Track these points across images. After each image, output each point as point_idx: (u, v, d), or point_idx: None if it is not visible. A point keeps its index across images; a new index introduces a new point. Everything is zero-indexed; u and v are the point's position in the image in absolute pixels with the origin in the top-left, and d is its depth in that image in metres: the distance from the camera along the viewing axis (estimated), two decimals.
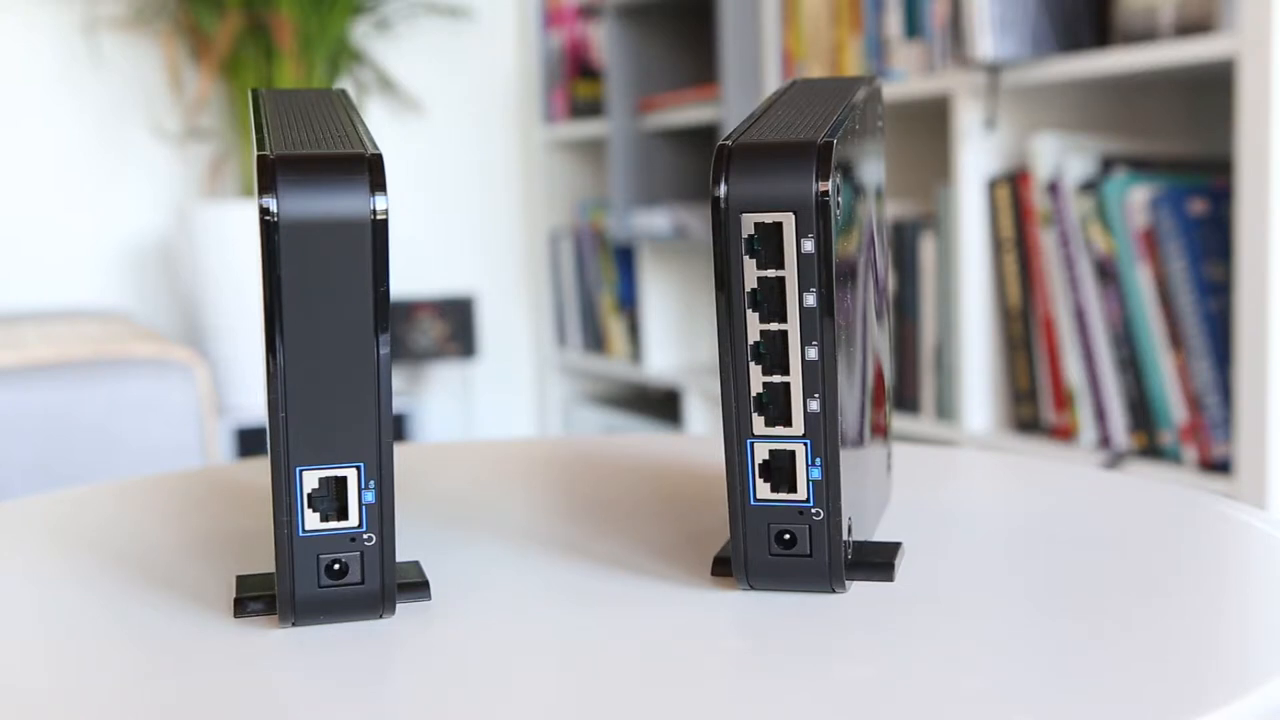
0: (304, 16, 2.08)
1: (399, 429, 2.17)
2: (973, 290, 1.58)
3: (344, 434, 0.41)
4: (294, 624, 0.42)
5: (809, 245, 0.37)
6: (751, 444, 0.39)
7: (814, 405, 0.39)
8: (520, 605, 0.43)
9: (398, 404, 2.17)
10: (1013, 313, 1.57)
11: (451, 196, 2.51)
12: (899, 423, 1.71)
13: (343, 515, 0.42)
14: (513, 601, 0.44)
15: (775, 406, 0.39)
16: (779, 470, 0.39)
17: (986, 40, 1.47)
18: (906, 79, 1.66)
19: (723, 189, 0.38)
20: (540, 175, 2.51)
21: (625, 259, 2.33)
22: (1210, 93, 1.56)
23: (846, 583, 0.40)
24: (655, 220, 2.10)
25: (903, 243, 1.69)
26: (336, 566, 0.42)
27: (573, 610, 0.40)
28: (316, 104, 0.43)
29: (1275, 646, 0.36)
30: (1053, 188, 1.49)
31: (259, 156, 0.38)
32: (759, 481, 0.40)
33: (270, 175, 0.37)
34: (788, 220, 0.37)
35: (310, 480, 0.41)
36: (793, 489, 0.39)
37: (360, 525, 0.42)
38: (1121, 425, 1.45)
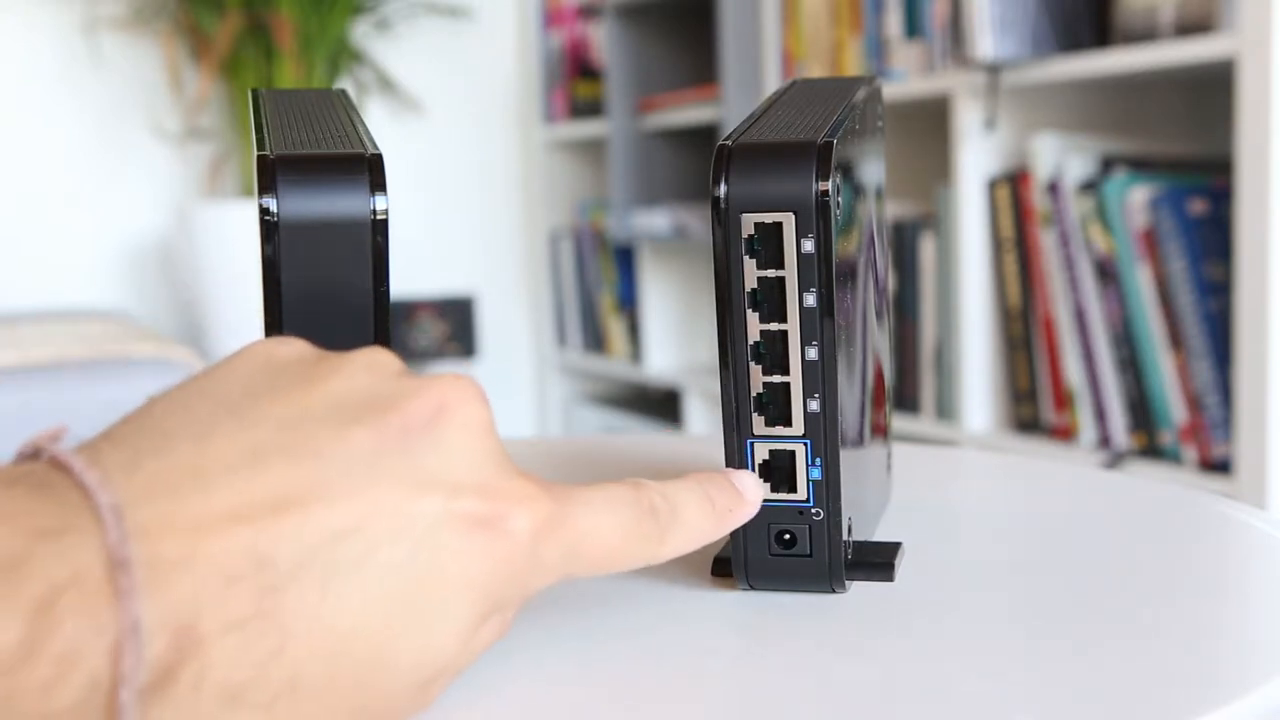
0: (304, 16, 2.08)
1: None
2: (973, 290, 1.58)
3: None
4: None
5: (809, 245, 0.37)
6: (751, 444, 0.39)
7: (814, 405, 0.38)
8: None
9: None
10: (1013, 313, 1.57)
11: (451, 196, 2.51)
12: (899, 423, 1.71)
13: None
14: None
15: (775, 406, 0.39)
16: (779, 470, 0.39)
17: (986, 40, 1.47)
18: (906, 79, 1.66)
19: (722, 189, 0.38)
20: (540, 175, 2.51)
21: (625, 259, 2.33)
22: (1210, 93, 1.56)
23: (846, 583, 0.40)
24: (655, 220, 2.10)
25: (903, 243, 1.69)
26: None
27: (571, 610, 0.40)
28: (316, 104, 0.43)
29: (1275, 646, 0.36)
30: (1053, 188, 1.48)
31: (259, 156, 0.38)
32: None
33: (270, 175, 0.37)
34: (788, 220, 0.37)
35: None
36: (793, 489, 0.39)
37: None
38: (1121, 425, 1.45)
